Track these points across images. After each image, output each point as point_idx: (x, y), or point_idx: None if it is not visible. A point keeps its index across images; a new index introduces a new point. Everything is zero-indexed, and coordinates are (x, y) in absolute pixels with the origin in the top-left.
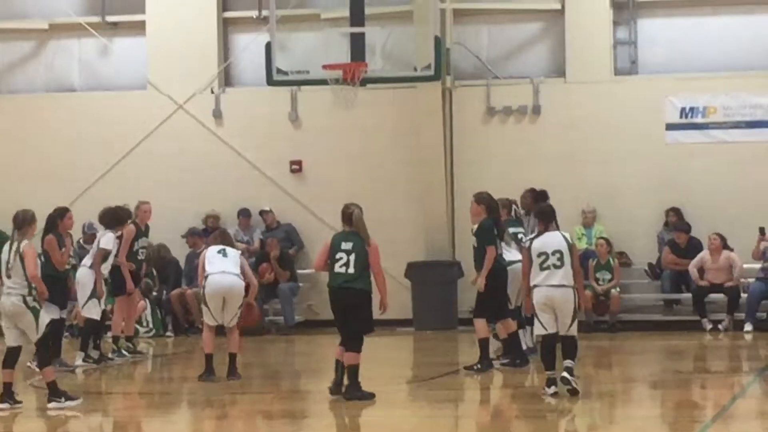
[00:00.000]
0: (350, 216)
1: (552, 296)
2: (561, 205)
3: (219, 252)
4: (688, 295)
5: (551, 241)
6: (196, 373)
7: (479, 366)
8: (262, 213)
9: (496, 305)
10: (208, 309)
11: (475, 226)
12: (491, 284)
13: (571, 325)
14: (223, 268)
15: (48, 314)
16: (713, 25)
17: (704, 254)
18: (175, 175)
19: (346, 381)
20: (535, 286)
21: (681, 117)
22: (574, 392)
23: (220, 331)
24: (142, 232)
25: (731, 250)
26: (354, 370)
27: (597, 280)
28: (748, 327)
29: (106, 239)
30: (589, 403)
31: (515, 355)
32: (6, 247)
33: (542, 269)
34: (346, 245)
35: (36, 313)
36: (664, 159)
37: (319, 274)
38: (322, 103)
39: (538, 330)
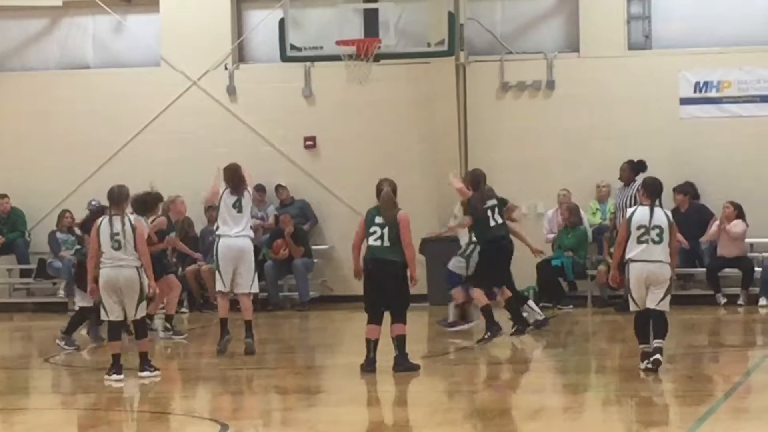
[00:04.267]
0: (379, 192)
1: (649, 271)
2: (575, 180)
3: (234, 206)
4: (701, 270)
5: (652, 215)
6: (211, 349)
7: (489, 334)
8: (276, 189)
9: (494, 275)
10: (220, 275)
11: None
12: (487, 256)
13: (662, 300)
14: (237, 230)
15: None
16: None
17: (716, 224)
18: (188, 151)
19: (389, 354)
20: (630, 260)
21: (695, 91)
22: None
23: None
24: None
25: (746, 221)
26: (402, 341)
27: (611, 254)
28: (762, 302)
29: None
30: (603, 378)
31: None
32: (106, 220)
33: (639, 242)
34: (379, 219)
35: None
36: (678, 133)
37: (333, 250)
38: (336, 79)
39: (632, 307)
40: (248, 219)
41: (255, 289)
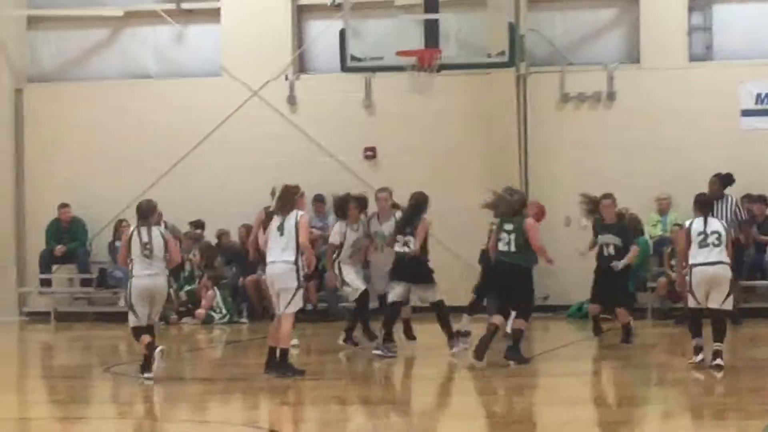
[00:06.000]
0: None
1: (710, 272)
2: (636, 192)
3: (278, 229)
4: (764, 283)
5: (706, 224)
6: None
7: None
8: None
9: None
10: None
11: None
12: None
13: (724, 300)
14: (274, 257)
15: None
16: None
17: None
18: (248, 161)
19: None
20: (692, 264)
21: (756, 103)
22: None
23: None
24: None
25: None
26: (519, 335)
27: (672, 267)
28: None
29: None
30: (663, 390)
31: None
32: (136, 231)
33: (701, 247)
34: (508, 226)
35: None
36: (739, 145)
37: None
38: (396, 90)
39: (690, 303)
40: (291, 242)
41: (293, 308)
